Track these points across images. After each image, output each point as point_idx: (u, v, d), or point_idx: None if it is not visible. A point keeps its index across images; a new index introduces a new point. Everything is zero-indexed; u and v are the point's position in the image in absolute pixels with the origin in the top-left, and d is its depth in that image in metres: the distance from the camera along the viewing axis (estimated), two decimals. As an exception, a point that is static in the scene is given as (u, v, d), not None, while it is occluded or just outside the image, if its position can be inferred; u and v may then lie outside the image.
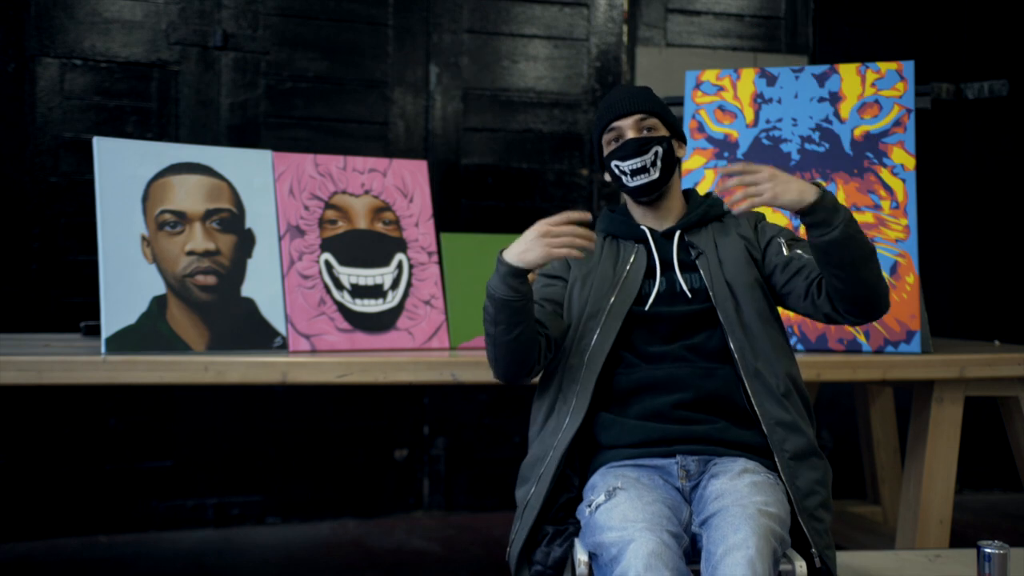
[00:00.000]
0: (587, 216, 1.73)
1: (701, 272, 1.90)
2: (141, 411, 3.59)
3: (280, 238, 2.52)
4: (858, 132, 2.67)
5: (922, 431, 2.59)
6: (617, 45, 4.16)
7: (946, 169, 4.46)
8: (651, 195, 1.94)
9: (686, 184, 2.70)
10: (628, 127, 1.93)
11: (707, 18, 4.28)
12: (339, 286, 2.55)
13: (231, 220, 2.48)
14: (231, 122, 3.70)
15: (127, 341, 2.28)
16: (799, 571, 1.65)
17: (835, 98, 2.69)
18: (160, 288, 2.35)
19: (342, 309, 2.53)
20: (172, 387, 3.48)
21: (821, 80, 2.71)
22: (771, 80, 2.75)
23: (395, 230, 2.67)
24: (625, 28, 4.17)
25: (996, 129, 4.49)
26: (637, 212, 2.00)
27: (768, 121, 2.73)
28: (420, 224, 2.71)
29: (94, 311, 2.67)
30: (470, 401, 3.99)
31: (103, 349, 2.25)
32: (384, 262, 2.63)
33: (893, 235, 2.61)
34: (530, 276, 1.75)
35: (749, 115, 2.75)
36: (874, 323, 2.59)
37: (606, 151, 1.96)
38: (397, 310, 2.60)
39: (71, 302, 3.48)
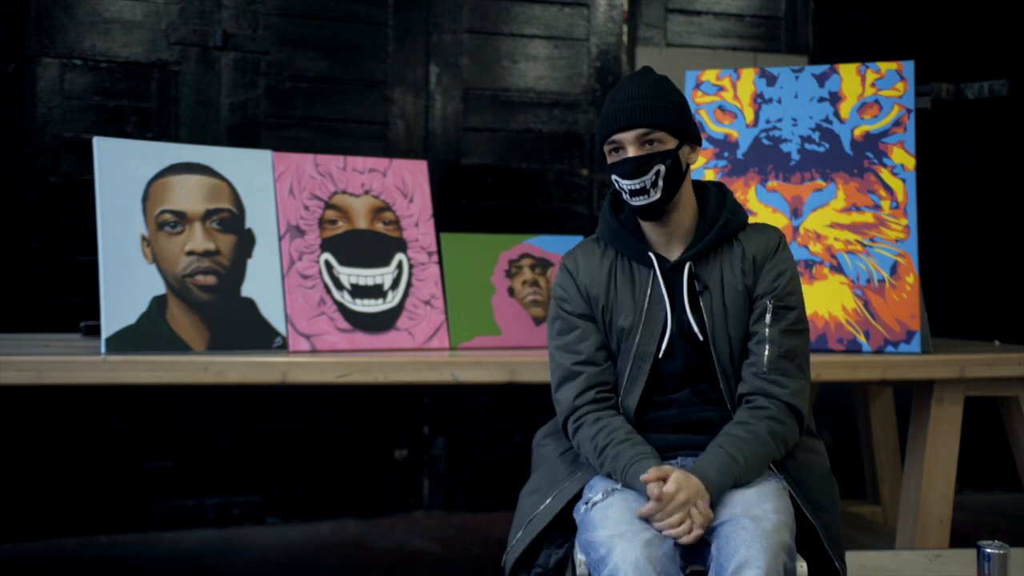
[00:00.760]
0: None
1: (704, 313, 1.81)
2: (141, 411, 3.59)
3: (280, 238, 2.52)
4: (858, 132, 2.67)
5: (922, 431, 2.59)
6: (617, 45, 4.15)
7: (946, 169, 4.46)
8: (653, 215, 1.81)
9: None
10: (628, 142, 1.78)
11: (707, 18, 4.28)
12: (339, 286, 2.55)
13: (231, 220, 2.48)
14: (231, 122, 3.70)
15: (127, 341, 2.28)
16: (799, 571, 1.65)
17: (835, 98, 2.69)
18: (160, 288, 2.35)
19: (342, 309, 2.53)
20: (172, 387, 3.48)
21: (821, 80, 2.71)
22: (771, 80, 2.75)
23: (395, 230, 2.67)
24: (625, 28, 4.17)
25: (996, 129, 4.49)
26: (644, 224, 1.86)
27: (768, 121, 2.73)
28: (420, 224, 2.71)
29: (94, 311, 2.67)
30: (470, 401, 3.99)
31: (103, 349, 2.25)
32: (384, 262, 2.63)
33: (893, 235, 2.61)
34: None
35: (749, 115, 2.75)
36: (874, 323, 2.59)
37: (607, 160, 1.83)
38: (397, 310, 2.60)
39: (71, 302, 3.48)
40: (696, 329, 1.80)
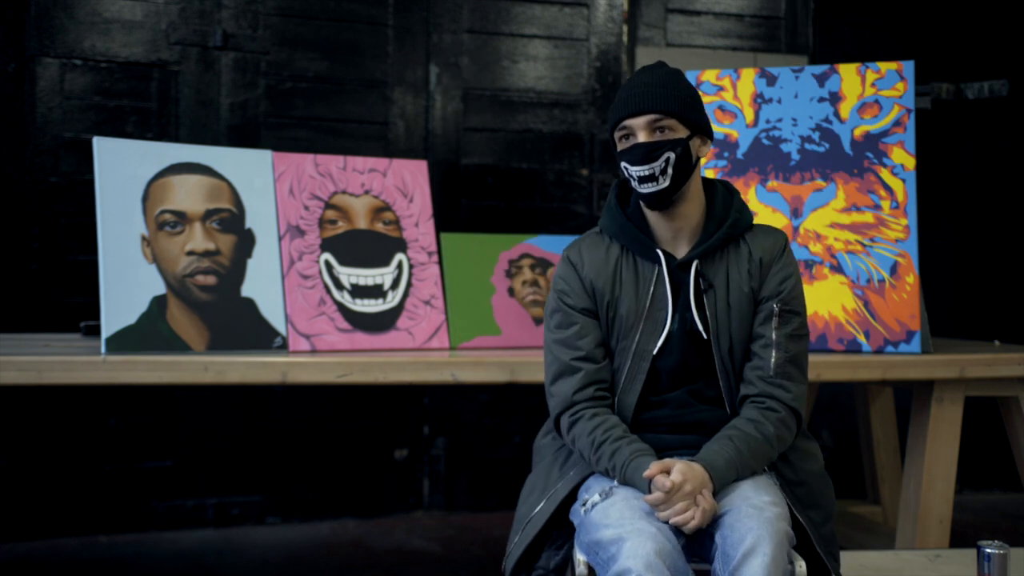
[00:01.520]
0: None
1: (707, 312, 1.80)
2: (141, 411, 3.59)
3: (280, 238, 2.52)
4: (858, 132, 2.67)
5: (922, 431, 2.59)
6: (617, 45, 4.15)
7: (946, 169, 4.46)
8: (661, 204, 1.78)
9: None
10: (639, 128, 1.75)
11: (707, 18, 4.28)
12: (339, 286, 2.55)
13: (231, 220, 2.48)
14: (231, 122, 3.70)
15: (127, 341, 2.28)
16: (799, 571, 1.65)
17: (835, 98, 2.69)
18: (160, 288, 2.35)
19: (342, 309, 2.53)
20: (172, 387, 3.48)
21: (821, 80, 2.71)
22: (771, 80, 2.75)
23: (395, 230, 2.67)
24: (625, 28, 4.17)
25: (996, 129, 4.49)
26: (651, 216, 1.83)
27: (768, 121, 2.73)
28: (420, 224, 2.71)
29: (94, 311, 2.67)
30: (470, 401, 3.99)
31: (103, 349, 2.25)
32: (384, 262, 2.63)
33: (893, 235, 2.61)
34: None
35: (749, 115, 2.75)
36: (874, 323, 2.59)
37: (618, 147, 1.80)
38: (397, 310, 2.60)
39: (71, 302, 3.48)
40: (700, 327, 1.79)
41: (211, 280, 2.42)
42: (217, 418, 3.69)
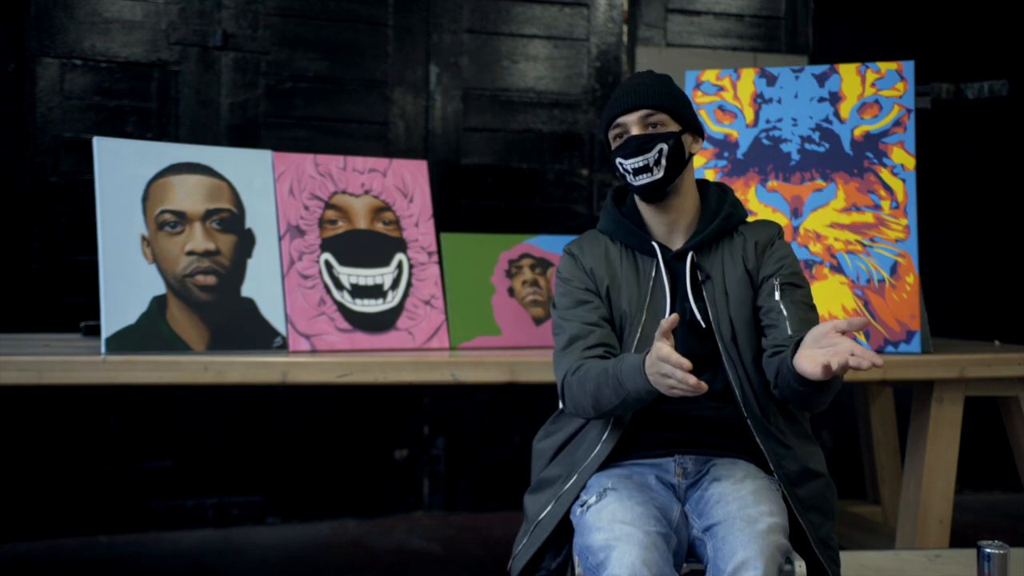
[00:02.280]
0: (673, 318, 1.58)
1: (706, 302, 1.81)
2: (141, 411, 3.59)
3: (280, 238, 2.52)
4: (858, 132, 2.67)
5: (922, 431, 2.59)
6: (617, 45, 4.16)
7: (946, 169, 4.46)
8: (655, 195, 1.83)
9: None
10: (632, 123, 1.81)
11: (707, 18, 4.28)
12: (339, 286, 2.55)
13: (231, 220, 2.48)
14: (231, 122, 3.70)
15: (127, 341, 2.28)
16: (799, 571, 1.65)
17: (835, 98, 2.69)
18: (160, 288, 2.35)
19: (342, 309, 2.53)
20: (172, 387, 3.48)
21: (821, 80, 2.71)
22: (771, 80, 2.75)
23: (395, 230, 2.67)
24: (625, 28, 4.17)
25: (996, 129, 4.49)
26: (646, 212, 1.88)
27: (768, 121, 2.73)
28: (420, 224, 2.71)
29: (94, 311, 2.67)
30: (470, 401, 3.99)
31: (103, 349, 2.25)
32: (384, 262, 2.63)
33: (893, 235, 2.61)
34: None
35: (749, 115, 2.75)
36: (874, 323, 2.59)
37: (612, 146, 1.86)
38: (397, 310, 2.60)
39: (71, 302, 3.48)
40: (699, 316, 1.80)
41: (211, 280, 2.42)
42: (217, 418, 3.69)
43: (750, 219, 1.96)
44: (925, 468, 2.56)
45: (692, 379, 1.49)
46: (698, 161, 2.76)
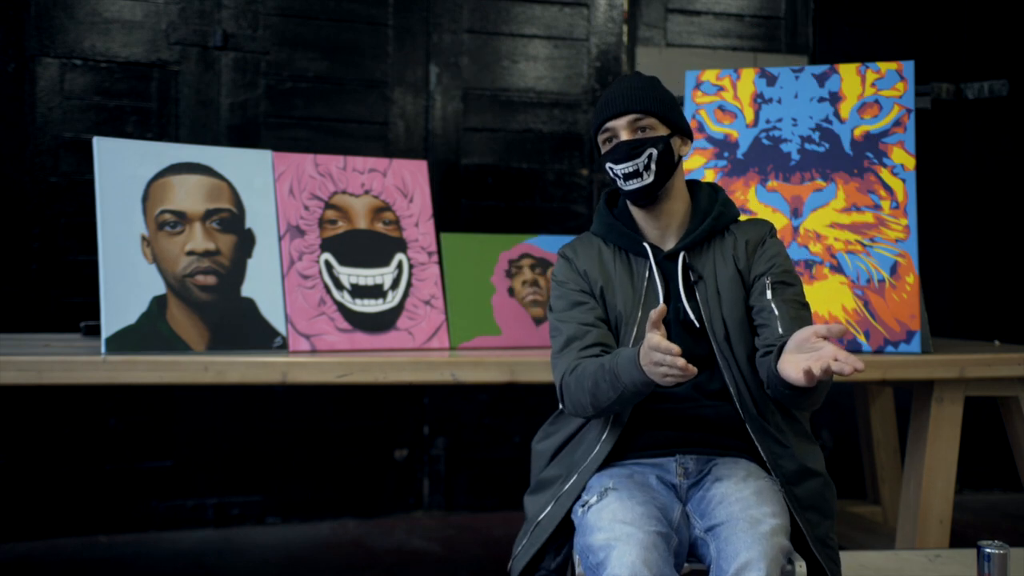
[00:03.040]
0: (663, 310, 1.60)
1: (699, 301, 1.82)
2: (141, 411, 3.59)
3: (280, 238, 2.52)
4: (858, 132, 2.67)
5: (922, 431, 2.59)
6: (617, 45, 4.15)
7: (946, 169, 4.46)
8: (646, 199, 1.84)
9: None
10: (621, 128, 1.83)
11: (707, 18, 4.28)
12: (339, 286, 2.55)
13: (231, 220, 2.48)
14: (231, 122, 3.70)
15: (127, 341, 2.28)
16: (799, 571, 1.65)
17: (835, 98, 2.69)
18: (160, 288, 2.35)
19: (342, 309, 2.53)
20: (172, 387, 3.48)
21: (821, 80, 2.71)
22: (771, 80, 2.75)
23: (395, 230, 2.67)
24: (625, 28, 4.17)
25: (996, 129, 4.49)
26: (638, 215, 1.90)
27: (768, 121, 2.73)
28: (420, 224, 2.71)
29: (94, 311, 2.67)
30: (470, 401, 3.99)
31: (103, 349, 2.25)
32: (384, 262, 2.63)
33: (893, 235, 2.61)
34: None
35: (749, 115, 2.75)
36: (874, 323, 2.59)
37: (602, 150, 1.88)
38: (397, 310, 2.60)
39: (71, 302, 3.48)
40: (692, 316, 1.81)
41: (211, 280, 2.42)
42: (217, 418, 3.69)
43: (743, 218, 1.96)
44: (925, 468, 2.56)
45: (681, 361, 1.50)
46: (698, 161, 2.76)
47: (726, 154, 2.75)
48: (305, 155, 2.62)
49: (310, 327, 2.47)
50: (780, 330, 1.73)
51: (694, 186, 1.95)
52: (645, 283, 1.84)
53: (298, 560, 3.34)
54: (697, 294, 1.83)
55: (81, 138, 3.51)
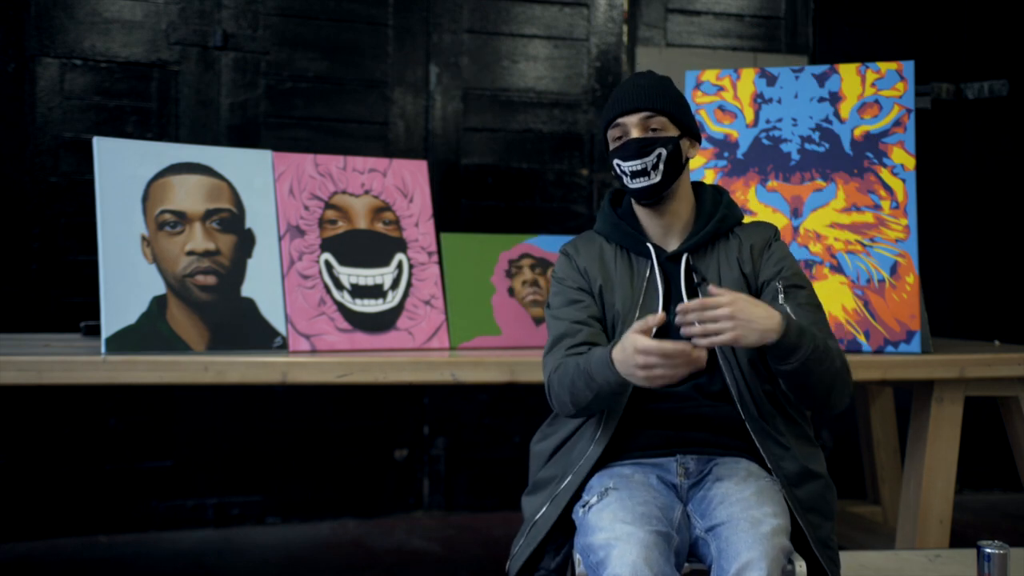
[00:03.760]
0: (662, 320, 1.61)
1: None
2: (141, 411, 3.59)
3: (280, 238, 2.52)
4: (858, 132, 2.67)
5: (922, 431, 2.59)
6: (617, 45, 4.15)
7: (946, 169, 4.46)
8: (652, 199, 1.83)
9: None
10: (632, 125, 1.82)
11: (707, 18, 4.28)
12: (339, 286, 2.55)
13: (231, 220, 2.48)
14: (231, 122, 3.70)
15: (127, 341, 2.28)
16: (799, 571, 1.65)
17: (835, 98, 2.69)
18: (160, 288, 2.35)
19: (342, 309, 2.53)
20: (172, 387, 3.48)
21: (821, 80, 2.71)
22: (771, 80, 2.75)
23: (395, 230, 2.67)
24: (625, 28, 4.17)
25: (996, 129, 4.49)
26: (642, 214, 1.89)
27: (768, 121, 2.73)
28: (420, 224, 2.71)
29: (94, 311, 2.67)
30: (470, 401, 3.99)
31: (103, 349, 2.25)
32: (384, 262, 2.63)
33: (893, 235, 2.61)
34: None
35: (749, 115, 2.75)
36: (874, 323, 2.59)
37: (610, 146, 1.87)
38: (397, 310, 2.60)
39: (71, 302, 3.48)
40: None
41: (211, 280, 2.42)
42: (217, 418, 3.69)
43: (746, 219, 1.96)
44: (925, 468, 2.56)
45: (695, 353, 1.54)
46: (698, 161, 2.76)
47: (726, 154, 2.75)
48: (305, 155, 2.62)
49: (310, 327, 2.47)
50: None
51: (698, 188, 1.95)
52: (645, 283, 1.84)
53: (298, 560, 3.34)
54: (700, 295, 1.82)
55: (81, 138, 3.51)
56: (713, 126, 2.77)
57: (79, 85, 3.53)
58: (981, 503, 4.25)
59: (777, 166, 2.70)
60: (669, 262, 1.86)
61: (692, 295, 1.83)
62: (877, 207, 2.63)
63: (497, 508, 3.98)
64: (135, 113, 3.59)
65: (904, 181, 2.62)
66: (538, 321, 2.75)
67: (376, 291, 2.59)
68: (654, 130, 1.81)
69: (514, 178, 4.03)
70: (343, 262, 2.58)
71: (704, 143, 2.77)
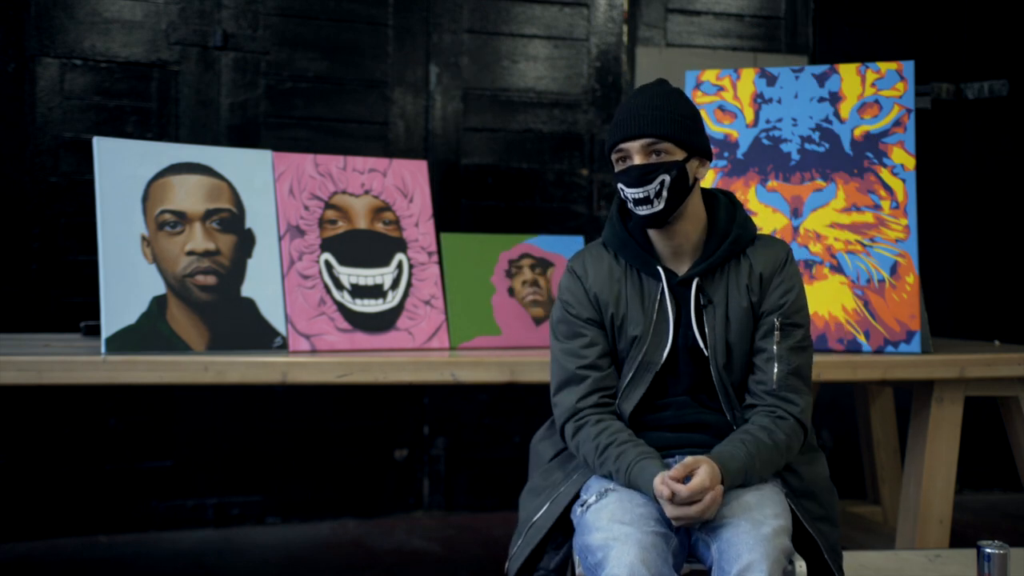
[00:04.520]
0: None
1: (706, 327, 1.80)
2: (141, 411, 3.59)
3: (280, 238, 2.52)
4: (858, 132, 2.67)
5: (922, 431, 2.59)
6: (617, 45, 4.15)
7: (946, 169, 4.46)
8: (656, 224, 1.79)
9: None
10: (635, 151, 1.76)
11: (707, 18, 4.28)
12: (339, 286, 2.55)
13: (231, 220, 2.48)
14: (231, 122, 3.70)
15: (127, 341, 2.28)
16: (799, 571, 1.65)
17: (835, 98, 2.69)
18: (160, 288, 2.35)
19: (342, 309, 2.53)
20: (172, 387, 3.48)
21: (821, 80, 2.71)
22: (771, 80, 2.75)
23: (395, 230, 2.67)
24: (625, 28, 4.17)
25: (996, 129, 4.49)
26: (651, 234, 1.84)
27: (768, 121, 2.73)
28: (420, 224, 2.71)
29: (94, 311, 2.67)
30: (470, 401, 3.99)
31: (103, 349, 2.25)
32: (384, 262, 2.63)
33: (893, 235, 2.61)
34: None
35: (749, 115, 2.75)
36: (874, 323, 2.59)
37: (615, 168, 1.82)
38: (397, 310, 2.60)
39: (71, 302, 3.48)
40: (701, 343, 1.80)
41: (211, 280, 2.42)
42: (217, 418, 3.69)
43: (756, 221, 1.95)
44: (925, 468, 2.56)
45: (709, 500, 1.60)
46: (698, 161, 2.76)
47: (726, 154, 2.75)
48: (305, 155, 2.62)
49: (310, 327, 2.47)
50: (774, 384, 1.77)
51: (711, 200, 1.88)
52: (656, 307, 1.82)
53: (298, 560, 3.34)
54: (705, 319, 1.80)
55: (81, 138, 3.51)
56: (713, 126, 2.77)
57: (79, 85, 3.53)
58: (981, 503, 4.25)
59: (777, 166, 2.70)
60: (679, 285, 1.83)
61: (699, 318, 1.81)
62: (877, 207, 2.63)
63: (497, 508, 3.98)
64: (135, 113, 3.59)
65: (904, 181, 2.62)
66: (538, 321, 2.76)
67: (376, 291, 2.59)
68: (658, 155, 1.76)
69: (514, 178, 4.03)
70: (343, 262, 2.58)
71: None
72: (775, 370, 1.78)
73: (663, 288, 1.82)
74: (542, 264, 2.83)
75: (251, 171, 2.54)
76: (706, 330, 1.80)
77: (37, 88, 3.48)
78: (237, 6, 3.70)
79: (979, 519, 3.96)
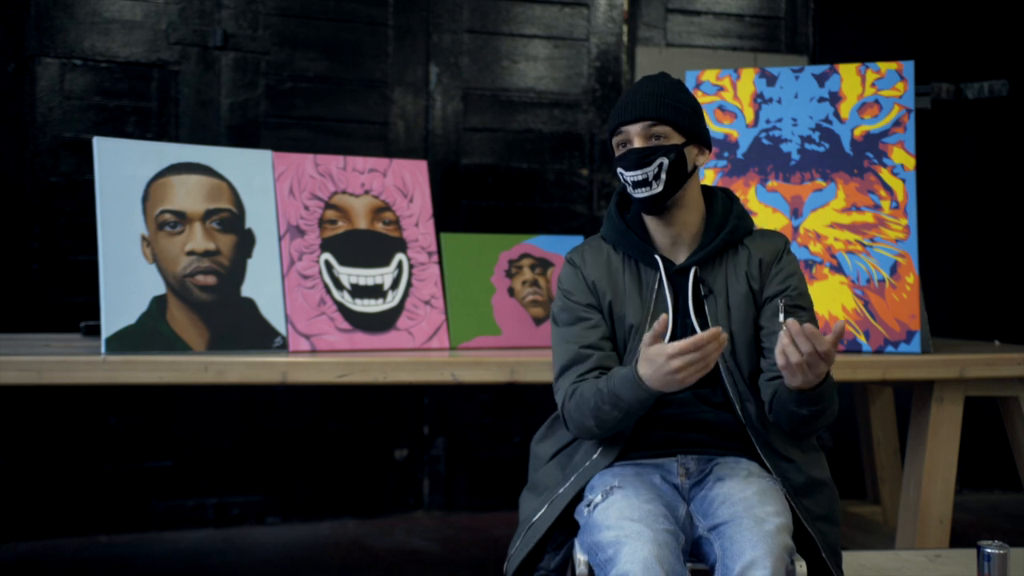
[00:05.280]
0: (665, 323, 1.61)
1: (708, 317, 1.80)
2: (141, 411, 3.59)
3: (280, 238, 2.52)
4: (858, 132, 2.67)
5: (922, 431, 2.59)
6: (617, 45, 4.15)
7: (946, 169, 4.46)
8: (654, 209, 1.81)
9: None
10: (635, 134, 1.78)
11: (707, 18, 4.28)
12: (339, 286, 2.55)
13: (231, 220, 2.48)
14: (231, 122, 3.70)
15: (127, 341, 2.28)
16: (799, 571, 1.66)
17: (835, 98, 2.69)
18: (160, 288, 2.35)
19: (342, 309, 2.53)
20: (172, 387, 3.48)
21: (821, 80, 2.71)
22: (771, 80, 2.75)
23: (395, 230, 2.67)
24: (625, 28, 4.17)
25: (996, 129, 4.49)
26: (649, 222, 1.86)
27: (768, 121, 2.73)
28: (420, 224, 2.71)
29: (94, 311, 2.67)
30: (470, 401, 3.99)
31: (103, 349, 2.25)
32: (384, 262, 2.63)
33: (893, 235, 2.61)
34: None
35: (749, 115, 2.75)
36: (874, 323, 2.59)
37: (615, 153, 1.84)
38: (397, 310, 2.60)
39: (71, 302, 3.48)
40: (700, 332, 1.79)
41: (211, 280, 2.42)
42: (217, 418, 3.69)
43: (756, 220, 1.94)
44: (925, 468, 2.56)
45: (714, 338, 1.54)
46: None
47: (726, 154, 2.75)
48: (305, 155, 2.62)
49: (310, 327, 2.47)
50: None
51: (709, 194, 1.91)
52: (654, 295, 1.83)
53: (298, 560, 3.34)
54: (707, 308, 1.81)
55: (81, 138, 3.51)
56: (713, 126, 2.77)
57: (79, 85, 3.53)
58: (981, 503, 4.25)
59: (777, 166, 2.70)
60: (677, 274, 1.83)
61: (699, 308, 1.81)
62: (877, 207, 2.63)
63: (497, 508, 3.98)
64: (135, 113, 3.59)
65: (904, 181, 2.62)
66: (538, 321, 2.76)
67: (376, 291, 2.59)
68: (656, 138, 1.78)
69: (514, 178, 4.03)
70: (343, 262, 2.58)
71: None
72: None
73: (661, 277, 1.83)
74: (542, 264, 2.83)
75: (251, 171, 2.54)
76: (708, 319, 1.80)
77: (37, 88, 3.48)
78: (237, 6, 3.70)
79: (979, 519, 3.96)
